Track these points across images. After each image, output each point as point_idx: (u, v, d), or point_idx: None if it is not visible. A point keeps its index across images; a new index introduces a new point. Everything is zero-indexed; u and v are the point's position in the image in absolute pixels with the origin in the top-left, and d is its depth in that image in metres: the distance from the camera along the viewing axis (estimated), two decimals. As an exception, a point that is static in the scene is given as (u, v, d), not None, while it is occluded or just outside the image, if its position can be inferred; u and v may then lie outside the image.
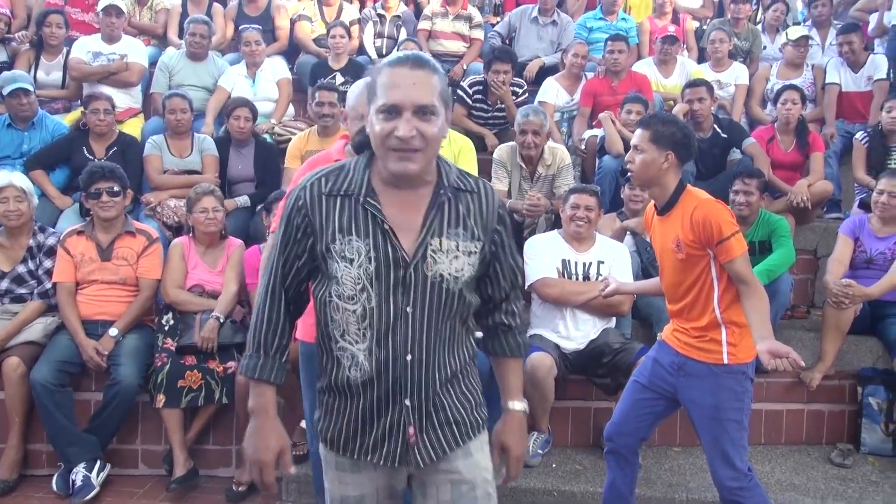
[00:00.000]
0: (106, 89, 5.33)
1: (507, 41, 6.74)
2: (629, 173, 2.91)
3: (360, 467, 1.86)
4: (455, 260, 1.76)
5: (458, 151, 4.49)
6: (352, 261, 1.72)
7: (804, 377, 4.10)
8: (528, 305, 4.01)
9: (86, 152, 4.84)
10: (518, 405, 1.99)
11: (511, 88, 5.65)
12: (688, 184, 2.83)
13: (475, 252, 1.79)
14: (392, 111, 1.65)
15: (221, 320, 3.78)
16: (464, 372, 1.88)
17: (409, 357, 1.75)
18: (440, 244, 1.75)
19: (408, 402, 1.78)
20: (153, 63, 6.00)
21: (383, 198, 1.74)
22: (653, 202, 2.92)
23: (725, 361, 2.74)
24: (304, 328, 2.75)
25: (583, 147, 5.52)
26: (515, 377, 2.02)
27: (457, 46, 6.67)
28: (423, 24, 6.67)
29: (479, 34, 6.71)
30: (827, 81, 5.99)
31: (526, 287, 3.76)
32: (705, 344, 2.78)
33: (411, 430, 1.80)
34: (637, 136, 2.80)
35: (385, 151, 1.68)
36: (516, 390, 2.01)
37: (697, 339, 2.79)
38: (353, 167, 1.79)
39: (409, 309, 1.74)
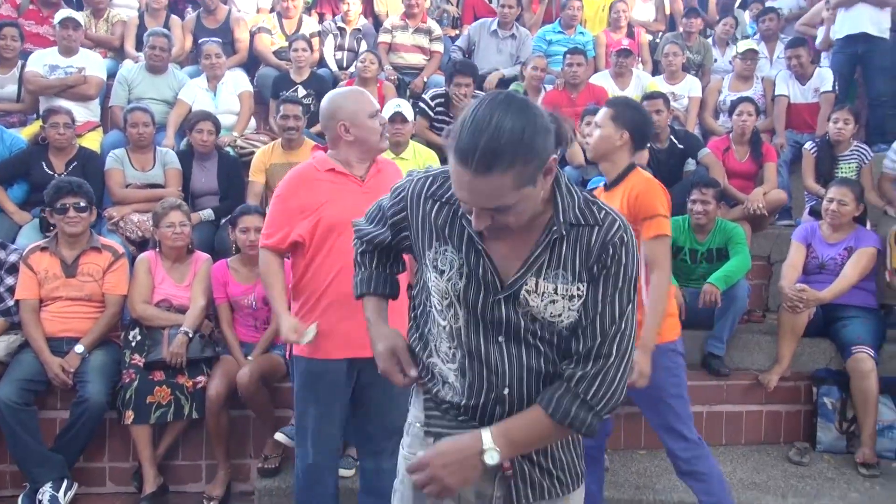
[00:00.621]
0: (64, 103, 5.23)
1: (467, 54, 6.84)
2: (588, 151, 3.05)
3: None
4: (551, 304, 1.52)
5: (424, 164, 4.54)
6: (442, 272, 1.56)
7: (762, 379, 4.23)
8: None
9: (45, 167, 4.75)
10: (487, 438, 1.49)
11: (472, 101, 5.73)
12: (638, 166, 2.95)
13: (578, 296, 1.52)
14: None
15: (190, 335, 3.75)
16: None
17: (506, 391, 1.57)
18: (535, 285, 1.51)
19: None
20: (111, 76, 5.92)
21: None
22: (601, 185, 3.05)
23: None
24: (305, 345, 2.73)
25: (543, 158, 5.61)
26: (525, 422, 1.54)
27: (417, 59, 6.73)
28: (384, 37, 6.72)
29: (438, 47, 6.78)
30: (776, 93, 6.18)
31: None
32: None
33: (506, 463, 1.58)
34: (600, 114, 2.96)
35: None
36: (508, 429, 1.52)
37: None
38: None
39: (501, 339, 1.56)
